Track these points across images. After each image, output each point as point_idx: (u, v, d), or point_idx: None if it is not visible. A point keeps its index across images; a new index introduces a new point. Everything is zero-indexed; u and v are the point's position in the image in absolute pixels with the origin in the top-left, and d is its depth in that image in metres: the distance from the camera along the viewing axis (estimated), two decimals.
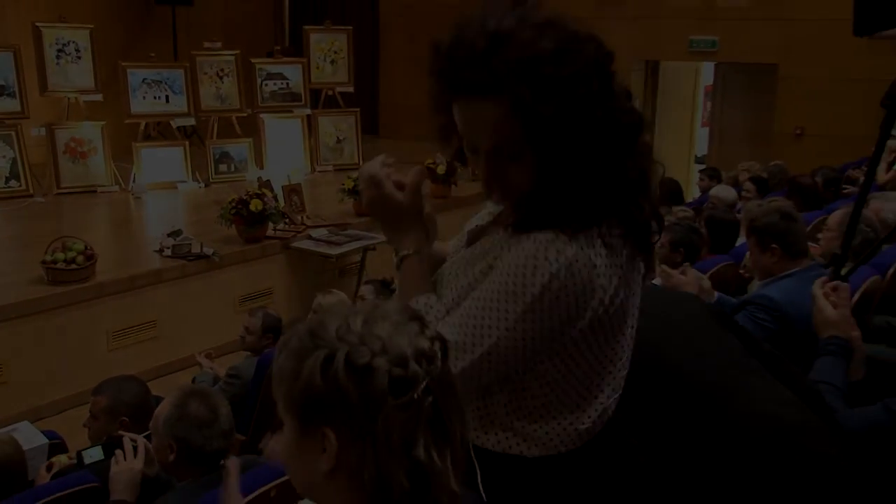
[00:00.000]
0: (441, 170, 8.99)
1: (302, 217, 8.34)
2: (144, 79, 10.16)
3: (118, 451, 3.07)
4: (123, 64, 10.11)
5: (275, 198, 8.01)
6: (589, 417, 1.70)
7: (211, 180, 10.22)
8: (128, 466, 3.04)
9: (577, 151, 1.55)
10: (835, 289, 2.62)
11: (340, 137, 11.30)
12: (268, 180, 8.47)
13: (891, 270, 4.17)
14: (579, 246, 1.57)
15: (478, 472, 1.72)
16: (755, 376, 1.96)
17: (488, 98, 1.55)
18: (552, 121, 1.52)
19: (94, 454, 3.19)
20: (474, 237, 1.85)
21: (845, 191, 7.55)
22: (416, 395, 1.23)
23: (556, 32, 1.55)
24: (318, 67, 11.33)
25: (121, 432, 3.33)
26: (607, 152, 1.57)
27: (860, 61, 8.65)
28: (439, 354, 1.28)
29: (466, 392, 1.66)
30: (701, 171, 10.36)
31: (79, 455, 3.22)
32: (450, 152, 1.81)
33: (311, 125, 11.13)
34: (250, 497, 2.64)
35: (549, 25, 1.56)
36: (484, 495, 1.71)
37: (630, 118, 1.61)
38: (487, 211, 1.86)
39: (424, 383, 1.24)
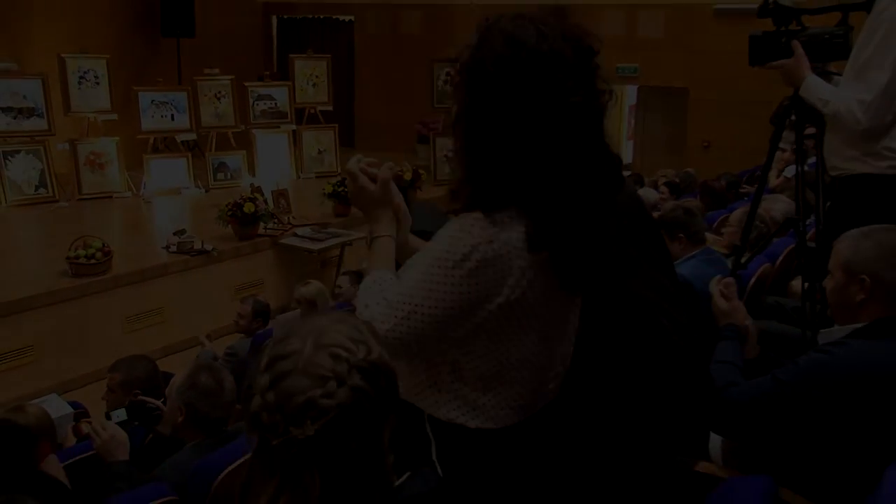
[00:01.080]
0: (407, 176, 8.96)
1: (288, 217, 8.30)
2: (153, 100, 10.10)
3: (90, 432, 2.97)
4: (135, 88, 10.07)
5: (265, 201, 7.98)
6: (521, 395, 1.62)
7: (210, 186, 10.13)
8: (107, 436, 2.92)
9: (493, 133, 1.51)
10: (726, 285, 2.66)
11: (321, 149, 11.23)
12: (259, 186, 8.43)
13: (780, 259, 4.25)
14: (501, 228, 1.51)
15: (433, 444, 1.66)
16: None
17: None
18: (477, 100, 1.53)
19: (119, 415, 3.18)
20: None
21: (743, 191, 7.66)
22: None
23: (531, 27, 1.52)
24: (301, 89, 11.25)
25: (140, 396, 3.31)
26: (517, 142, 1.51)
27: (755, 86, 8.73)
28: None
29: (397, 358, 1.53)
30: (627, 177, 10.41)
31: (107, 416, 3.20)
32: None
33: (295, 139, 11.05)
34: (237, 464, 2.52)
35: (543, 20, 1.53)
36: (439, 468, 1.65)
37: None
38: None
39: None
